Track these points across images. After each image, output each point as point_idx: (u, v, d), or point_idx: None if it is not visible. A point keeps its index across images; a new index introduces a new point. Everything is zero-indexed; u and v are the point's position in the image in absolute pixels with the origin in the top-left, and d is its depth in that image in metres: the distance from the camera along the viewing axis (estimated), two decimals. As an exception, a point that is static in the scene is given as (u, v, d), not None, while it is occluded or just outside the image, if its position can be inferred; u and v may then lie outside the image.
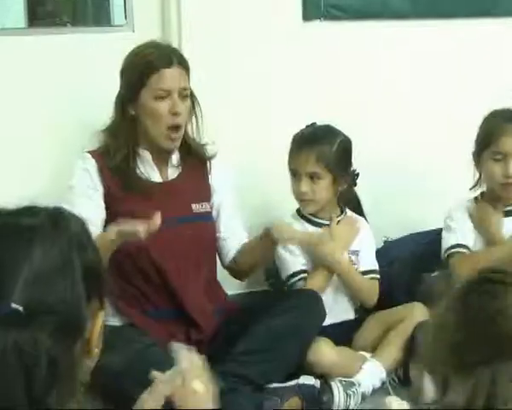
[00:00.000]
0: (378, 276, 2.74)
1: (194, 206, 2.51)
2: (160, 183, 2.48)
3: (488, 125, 2.66)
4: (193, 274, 2.46)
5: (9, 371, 0.98)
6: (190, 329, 2.46)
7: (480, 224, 2.70)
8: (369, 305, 2.73)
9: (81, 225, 1.15)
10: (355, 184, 2.77)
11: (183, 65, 2.42)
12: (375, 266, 2.76)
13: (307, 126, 2.73)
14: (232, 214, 2.61)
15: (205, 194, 2.56)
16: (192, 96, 2.48)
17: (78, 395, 1.07)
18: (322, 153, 2.65)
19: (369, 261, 2.75)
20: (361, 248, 2.75)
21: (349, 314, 2.76)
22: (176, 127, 2.40)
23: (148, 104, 2.39)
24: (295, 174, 2.67)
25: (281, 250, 2.68)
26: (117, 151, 2.42)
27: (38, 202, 1.14)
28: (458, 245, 2.70)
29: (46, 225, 1.10)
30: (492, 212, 2.71)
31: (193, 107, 2.49)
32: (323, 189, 2.67)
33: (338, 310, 2.72)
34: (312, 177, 2.65)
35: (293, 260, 2.69)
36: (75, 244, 1.10)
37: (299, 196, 2.68)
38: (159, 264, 2.42)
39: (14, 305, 1.00)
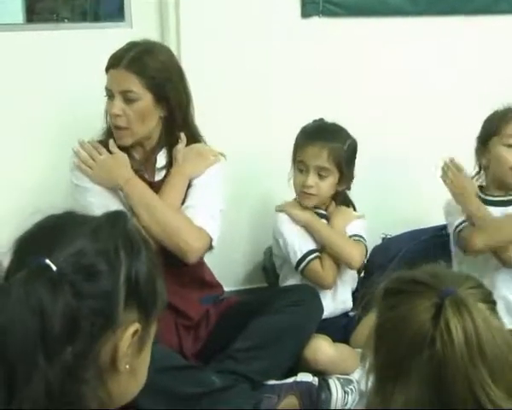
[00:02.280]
0: (364, 242, 2.74)
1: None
2: (148, 181, 2.45)
3: (497, 114, 2.67)
4: (177, 271, 2.41)
5: (26, 317, 0.99)
6: (178, 314, 2.46)
7: (458, 201, 2.69)
8: (353, 266, 2.70)
9: (141, 235, 1.17)
10: (349, 188, 2.77)
11: (133, 68, 2.35)
12: (362, 234, 2.74)
13: (316, 121, 2.72)
14: (201, 193, 2.46)
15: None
16: (170, 102, 2.39)
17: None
18: (335, 150, 2.64)
19: (355, 230, 2.75)
20: (351, 230, 2.75)
21: (347, 304, 2.76)
22: (115, 127, 2.40)
23: (107, 102, 2.42)
24: (303, 166, 2.66)
25: (292, 232, 2.68)
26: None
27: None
28: (465, 221, 2.68)
29: (103, 219, 1.13)
30: (467, 185, 2.69)
31: (171, 112, 2.41)
32: (328, 185, 2.67)
33: (337, 303, 2.73)
34: (320, 172, 2.64)
35: (304, 240, 2.68)
36: (127, 245, 1.11)
37: (303, 189, 2.66)
38: None
39: (49, 261, 1.03)
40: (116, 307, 1.07)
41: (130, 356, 1.11)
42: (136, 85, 2.35)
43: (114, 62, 2.37)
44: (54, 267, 1.03)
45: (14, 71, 2.67)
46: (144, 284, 1.11)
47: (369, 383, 1.21)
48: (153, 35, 2.58)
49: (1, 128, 2.67)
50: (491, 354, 1.11)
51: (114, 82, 2.37)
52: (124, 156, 2.41)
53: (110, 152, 2.41)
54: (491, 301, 1.20)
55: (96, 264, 1.06)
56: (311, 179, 2.64)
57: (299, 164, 2.66)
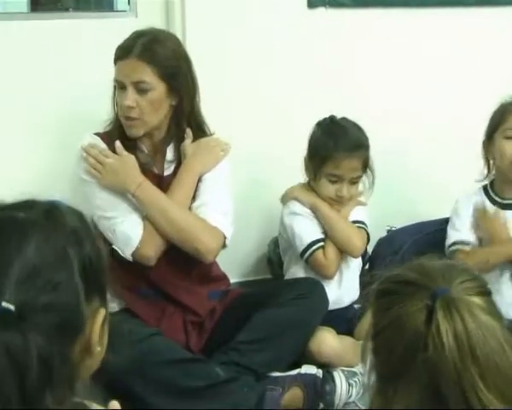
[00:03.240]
0: (367, 228, 2.73)
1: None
2: (157, 175, 2.44)
3: (499, 108, 2.64)
4: (182, 263, 2.42)
5: (1, 371, 0.94)
6: (186, 311, 2.45)
7: (485, 231, 2.67)
8: (355, 254, 2.70)
9: (79, 218, 1.11)
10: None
11: (144, 58, 2.32)
12: (365, 221, 2.74)
13: (333, 121, 2.68)
14: (212, 190, 2.45)
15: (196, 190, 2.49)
16: (180, 90, 2.38)
17: (78, 394, 1.04)
18: (367, 158, 2.67)
19: (358, 216, 2.74)
20: (354, 216, 2.74)
21: (352, 295, 2.75)
22: (127, 118, 2.36)
23: (117, 94, 2.39)
24: (336, 178, 2.63)
25: (298, 221, 2.67)
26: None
27: (38, 193, 1.11)
28: (459, 243, 2.68)
29: (40, 219, 1.05)
30: (493, 215, 2.67)
31: (180, 101, 2.39)
32: (358, 188, 2.70)
33: (343, 290, 2.72)
34: (353, 180, 2.65)
35: (312, 228, 2.67)
36: (71, 239, 1.05)
37: (338, 198, 2.65)
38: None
39: (4, 304, 0.95)
40: (81, 309, 1.03)
41: (99, 338, 1.09)
42: (148, 75, 2.32)
43: (124, 53, 2.33)
44: (12, 307, 0.95)
45: (19, 59, 2.66)
46: (97, 268, 1.08)
47: (371, 382, 1.20)
48: (158, 24, 2.56)
49: (3, 116, 2.66)
50: (482, 355, 1.10)
51: (126, 73, 2.33)
52: (131, 158, 2.37)
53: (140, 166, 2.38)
54: (486, 293, 1.18)
55: (50, 277, 1.00)
56: (347, 191, 2.64)
57: (331, 176, 2.63)
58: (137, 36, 2.35)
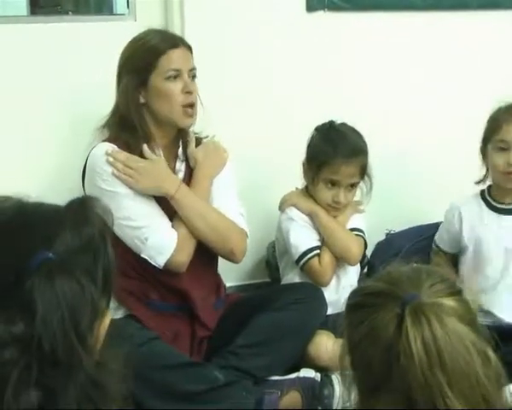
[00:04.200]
0: (364, 236, 2.74)
1: None
2: None
3: (493, 116, 2.64)
4: (200, 272, 2.44)
5: (61, 316, 0.98)
6: (195, 325, 2.44)
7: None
8: (352, 261, 2.70)
9: (108, 217, 1.15)
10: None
11: (188, 46, 2.41)
12: (362, 229, 2.74)
13: (332, 127, 2.67)
14: (226, 193, 2.51)
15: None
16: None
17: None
18: (365, 164, 2.66)
19: (356, 224, 2.74)
20: (352, 224, 2.74)
21: None
22: (190, 105, 2.37)
23: (160, 87, 2.35)
24: (333, 183, 2.62)
25: (295, 227, 2.67)
26: (137, 147, 2.36)
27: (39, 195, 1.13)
28: (437, 245, 2.79)
29: (76, 207, 1.11)
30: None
31: None
32: (355, 193, 2.70)
33: (341, 299, 2.71)
34: (351, 185, 2.65)
35: (308, 235, 2.67)
36: (102, 234, 1.09)
37: (334, 204, 2.65)
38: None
39: (51, 254, 1.01)
40: (99, 297, 1.07)
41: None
42: (194, 63, 2.41)
43: (175, 42, 2.38)
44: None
45: (18, 63, 2.66)
46: (111, 268, 1.11)
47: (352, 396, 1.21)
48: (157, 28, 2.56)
49: (3, 119, 2.66)
50: (450, 361, 1.10)
51: (183, 61, 2.37)
52: (162, 161, 2.36)
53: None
54: (456, 293, 1.17)
55: (85, 254, 1.06)
56: (344, 197, 2.64)
57: (328, 181, 2.63)
58: (164, 30, 2.48)
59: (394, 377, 1.11)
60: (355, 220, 2.74)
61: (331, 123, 2.68)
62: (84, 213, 1.09)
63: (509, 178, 2.61)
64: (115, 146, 2.36)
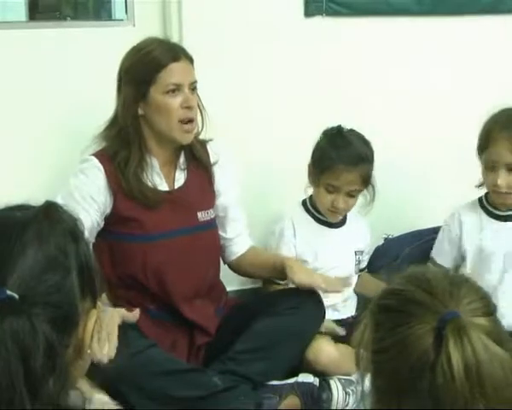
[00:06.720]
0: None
1: (199, 214, 2.46)
2: (167, 192, 2.42)
3: (483, 132, 2.61)
4: (197, 284, 2.44)
5: (8, 357, 0.96)
6: (194, 332, 2.44)
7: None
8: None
9: (74, 219, 1.14)
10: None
11: (190, 59, 2.38)
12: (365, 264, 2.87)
13: (339, 132, 2.67)
14: (237, 216, 2.60)
15: (209, 201, 2.52)
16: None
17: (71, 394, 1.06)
18: (368, 173, 2.66)
19: (366, 260, 2.85)
20: (364, 248, 2.81)
21: (353, 311, 2.78)
22: (189, 121, 2.36)
23: (159, 101, 2.32)
24: (333, 188, 2.63)
25: (287, 249, 2.70)
26: (130, 158, 2.34)
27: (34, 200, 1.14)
28: (433, 261, 2.74)
29: (40, 217, 1.09)
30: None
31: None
32: (356, 200, 2.69)
33: (345, 308, 2.74)
34: (351, 193, 2.65)
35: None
36: (69, 237, 1.09)
37: (333, 209, 2.66)
38: (159, 276, 2.39)
39: (9, 292, 0.99)
40: (77, 303, 1.06)
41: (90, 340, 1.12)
42: (195, 75, 2.39)
43: (177, 55, 2.34)
44: (16, 296, 0.99)
45: (17, 68, 2.66)
46: (90, 267, 1.11)
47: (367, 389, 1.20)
48: (155, 34, 2.56)
49: (2, 125, 2.66)
50: (489, 384, 1.08)
51: (183, 74, 2.35)
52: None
53: (144, 189, 2.35)
54: (491, 313, 1.16)
55: (49, 271, 1.04)
56: (343, 203, 2.64)
57: (329, 186, 2.63)
58: (166, 40, 2.43)
59: (422, 389, 1.10)
60: (366, 252, 2.84)
61: (339, 128, 2.68)
62: (49, 221, 1.08)
63: (498, 196, 2.62)
64: (96, 160, 2.34)
